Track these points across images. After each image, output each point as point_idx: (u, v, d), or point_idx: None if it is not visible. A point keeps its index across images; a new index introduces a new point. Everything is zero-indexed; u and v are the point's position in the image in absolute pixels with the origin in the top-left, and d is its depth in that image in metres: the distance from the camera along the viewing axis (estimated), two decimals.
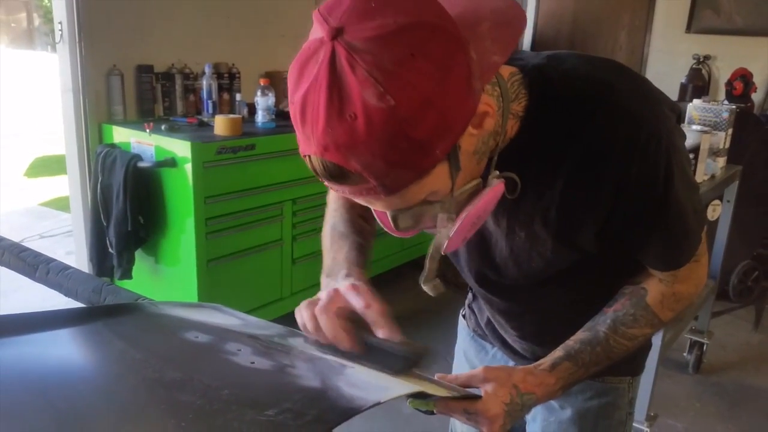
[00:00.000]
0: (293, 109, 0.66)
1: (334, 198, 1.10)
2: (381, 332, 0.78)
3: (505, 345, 1.16)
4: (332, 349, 0.78)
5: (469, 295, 1.25)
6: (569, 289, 0.97)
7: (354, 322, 0.79)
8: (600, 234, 0.84)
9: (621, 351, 0.92)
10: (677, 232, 0.85)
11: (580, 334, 0.92)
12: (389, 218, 0.76)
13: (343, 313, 0.80)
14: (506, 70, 0.80)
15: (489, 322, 1.17)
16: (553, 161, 0.81)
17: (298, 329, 0.87)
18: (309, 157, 0.67)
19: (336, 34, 0.61)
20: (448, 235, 0.76)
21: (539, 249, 0.89)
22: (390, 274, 3.57)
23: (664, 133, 0.78)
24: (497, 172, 0.78)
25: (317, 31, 0.63)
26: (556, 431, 1.13)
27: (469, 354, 1.26)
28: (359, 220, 1.05)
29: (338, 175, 0.66)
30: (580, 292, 0.97)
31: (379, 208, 0.75)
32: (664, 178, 0.78)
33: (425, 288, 0.81)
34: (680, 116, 0.88)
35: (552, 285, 0.96)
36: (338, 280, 0.87)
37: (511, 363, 1.15)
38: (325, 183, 0.70)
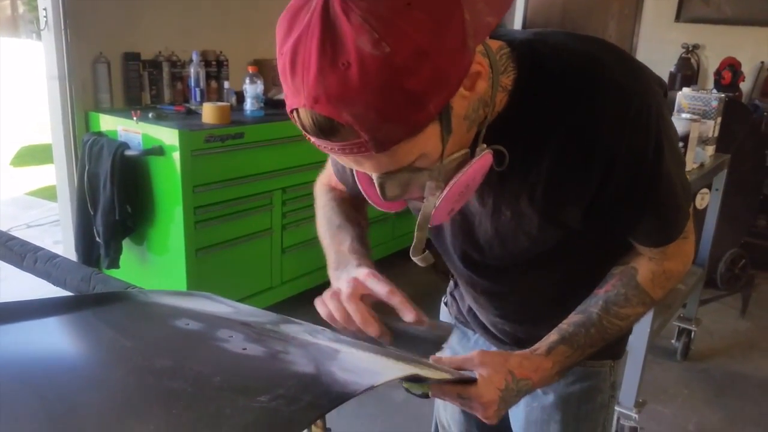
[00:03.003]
0: (282, 61, 0.63)
1: (323, 192, 1.09)
2: (409, 317, 0.80)
3: (486, 331, 1.15)
4: (358, 337, 0.79)
5: (451, 283, 1.25)
6: (554, 269, 0.97)
7: (376, 308, 0.81)
8: (589, 209, 0.83)
9: (615, 331, 0.92)
10: (668, 206, 0.85)
11: (574, 317, 0.92)
12: (376, 186, 0.74)
13: (367, 300, 0.82)
14: (495, 44, 0.79)
15: (470, 309, 1.17)
16: (541, 136, 0.80)
17: (290, 317, 0.86)
18: (297, 111, 0.65)
19: None
20: (435, 204, 0.75)
21: (525, 228, 0.89)
22: (380, 263, 3.56)
23: (654, 104, 0.78)
24: (485, 146, 0.77)
25: None
26: (540, 416, 1.13)
27: (452, 341, 1.26)
28: (353, 211, 1.04)
29: (328, 129, 0.64)
30: (564, 272, 0.97)
31: (367, 170, 0.73)
32: (654, 149, 0.78)
33: (415, 260, 0.80)
34: (666, 91, 0.88)
35: (536, 266, 0.96)
36: (350, 271, 0.87)
37: (493, 349, 1.15)
38: (312, 140, 0.68)
